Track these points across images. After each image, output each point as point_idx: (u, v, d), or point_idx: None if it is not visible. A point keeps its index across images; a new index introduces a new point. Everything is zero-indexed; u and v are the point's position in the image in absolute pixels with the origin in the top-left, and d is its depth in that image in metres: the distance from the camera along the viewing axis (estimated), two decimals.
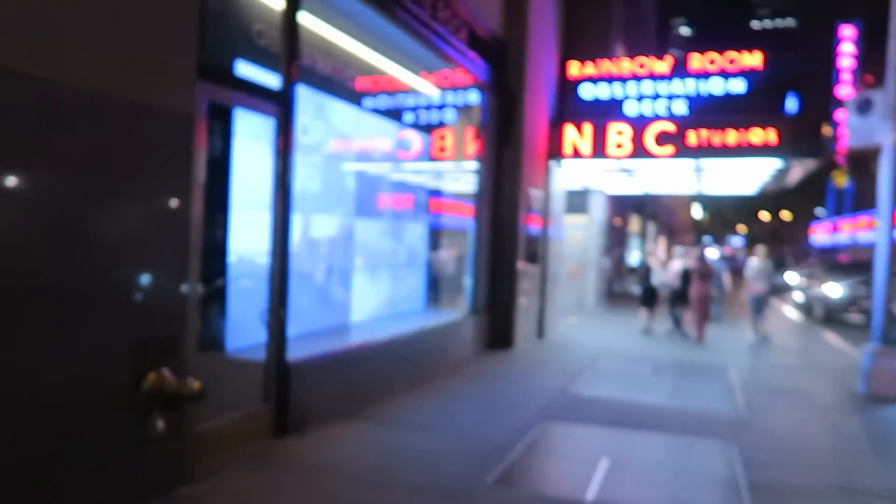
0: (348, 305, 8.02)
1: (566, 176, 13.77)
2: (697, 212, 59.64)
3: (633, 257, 28.82)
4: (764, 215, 79.01)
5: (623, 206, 24.42)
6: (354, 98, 8.63)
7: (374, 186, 9.01)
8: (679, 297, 13.82)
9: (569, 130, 11.65)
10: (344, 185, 7.99)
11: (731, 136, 10.79)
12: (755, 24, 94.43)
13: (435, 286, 10.76)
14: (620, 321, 15.59)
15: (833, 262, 25.52)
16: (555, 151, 11.83)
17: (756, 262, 13.63)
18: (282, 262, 5.20)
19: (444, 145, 10.67)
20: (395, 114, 9.84)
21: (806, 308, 20.04)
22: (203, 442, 4.52)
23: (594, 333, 13.34)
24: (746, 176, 13.32)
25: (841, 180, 56.20)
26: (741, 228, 78.80)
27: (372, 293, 8.60)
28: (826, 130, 11.89)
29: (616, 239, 23.87)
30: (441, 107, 10.36)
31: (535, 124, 11.21)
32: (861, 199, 50.57)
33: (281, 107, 5.21)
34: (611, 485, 4.73)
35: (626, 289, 23.90)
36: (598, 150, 11.45)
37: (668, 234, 41.86)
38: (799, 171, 12.87)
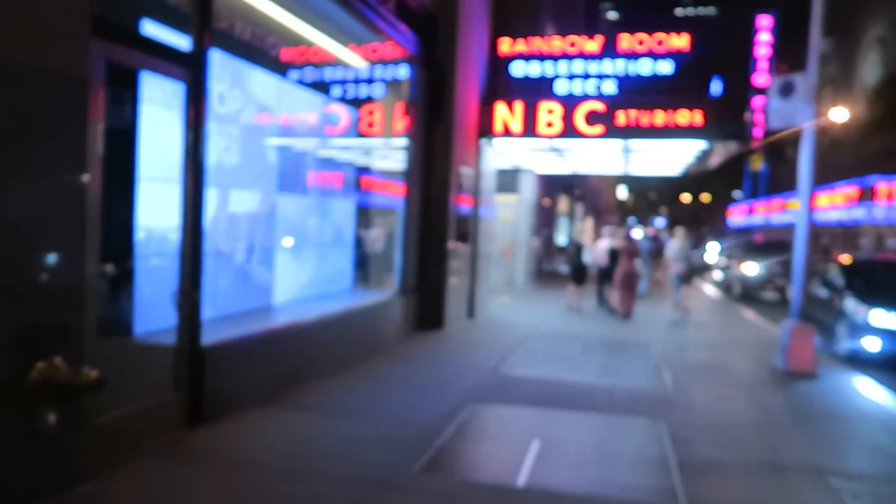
0: (271, 286, 7.64)
1: (497, 155, 13.65)
2: (623, 193, 61.14)
3: (562, 237, 29.21)
4: (685, 197, 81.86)
5: (552, 186, 24.62)
6: (278, 68, 8.18)
7: (299, 162, 8.60)
8: (606, 276, 14.09)
9: (500, 108, 11.49)
10: (265, 159, 7.56)
11: (659, 117, 10.88)
12: (679, 12, 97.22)
13: (363, 265, 10.47)
14: (550, 299, 15.70)
15: (750, 242, 26.52)
16: (486, 129, 11.66)
17: (676, 243, 14.15)
18: (194, 240, 4.81)
19: (373, 121, 10.34)
20: (321, 87, 9.43)
21: (725, 286, 20.78)
22: (106, 435, 4.14)
23: (524, 312, 13.36)
24: (672, 157, 13.55)
25: (756, 164, 58.78)
26: (663, 210, 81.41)
27: (296, 273, 8.24)
28: (748, 116, 12.21)
29: (545, 219, 24.07)
30: (370, 80, 10.00)
31: (465, 101, 11.00)
32: (775, 183, 53.02)
33: (192, 71, 4.78)
34: (542, 468, 4.63)
35: (554, 268, 24.19)
36: (529, 128, 11.36)
37: (595, 214, 42.69)
38: (721, 153, 13.19)
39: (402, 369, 7.58)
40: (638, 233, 32.94)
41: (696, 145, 11.66)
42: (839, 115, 28.14)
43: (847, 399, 7.10)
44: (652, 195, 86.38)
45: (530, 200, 18.46)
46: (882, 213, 35.77)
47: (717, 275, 22.73)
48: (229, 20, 6.62)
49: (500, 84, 12.18)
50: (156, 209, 5.46)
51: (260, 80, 7.39)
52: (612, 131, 11.02)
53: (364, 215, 10.56)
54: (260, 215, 7.36)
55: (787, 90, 8.50)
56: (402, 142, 9.89)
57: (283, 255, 7.80)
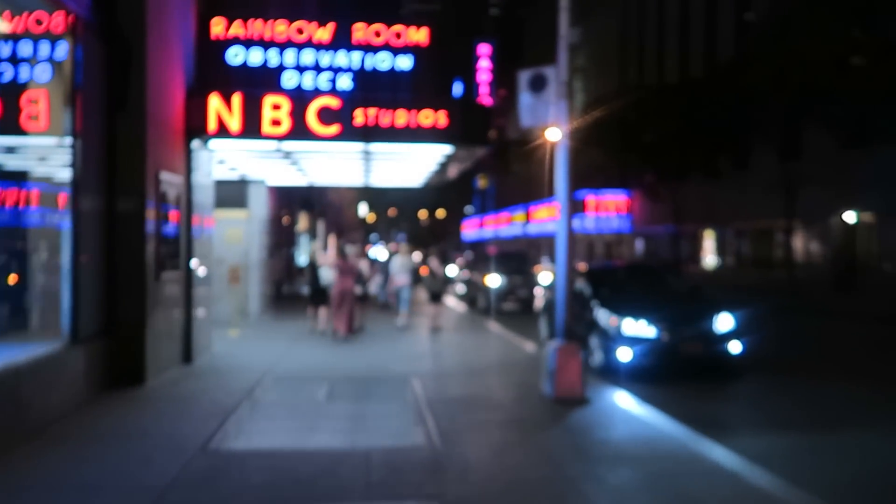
0: None
1: (218, 161, 11.38)
2: (364, 210, 60.98)
3: (303, 257, 27.29)
4: (422, 213, 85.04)
5: (289, 201, 22.64)
6: None
7: None
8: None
9: (213, 101, 9.27)
10: None
11: (402, 117, 9.58)
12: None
13: (15, 307, 7.52)
14: (290, 327, 13.80)
15: (486, 254, 27.18)
16: (198, 127, 9.35)
17: (400, 259, 14.76)
18: None
19: (36, 111, 7.53)
20: None
21: (469, 299, 20.60)
22: None
23: (259, 347, 11.27)
24: (415, 164, 12.49)
25: (483, 182, 62.90)
26: (404, 226, 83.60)
27: None
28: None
29: (284, 237, 21.99)
30: (31, 59, 7.24)
31: (166, 88, 8.64)
32: (502, 197, 56.94)
33: None
34: None
35: (297, 290, 22.21)
36: (252, 126, 9.31)
37: (337, 232, 41.41)
38: (462, 159, 12.42)
39: (59, 462, 5.11)
40: (381, 250, 32.54)
41: (441, 150, 10.64)
42: (552, 134, 30.33)
43: (628, 429, 6.26)
44: (392, 212, 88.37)
45: (263, 216, 16.26)
46: (592, 223, 39.95)
47: (460, 288, 22.63)
48: None
49: (214, 73, 9.98)
50: None
51: None
52: (350, 132, 9.48)
53: (12, 238, 7.62)
54: None
55: (538, 84, 7.71)
56: (69, 139, 7.25)
57: None
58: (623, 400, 7.34)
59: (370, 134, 9.58)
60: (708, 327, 9.20)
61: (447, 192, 63.01)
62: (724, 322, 9.27)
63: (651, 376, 8.86)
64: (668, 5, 35.83)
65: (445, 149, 10.54)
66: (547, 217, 43.25)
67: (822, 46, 18.43)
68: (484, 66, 61.44)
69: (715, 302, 10.10)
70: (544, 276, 20.02)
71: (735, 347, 9.18)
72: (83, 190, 7.18)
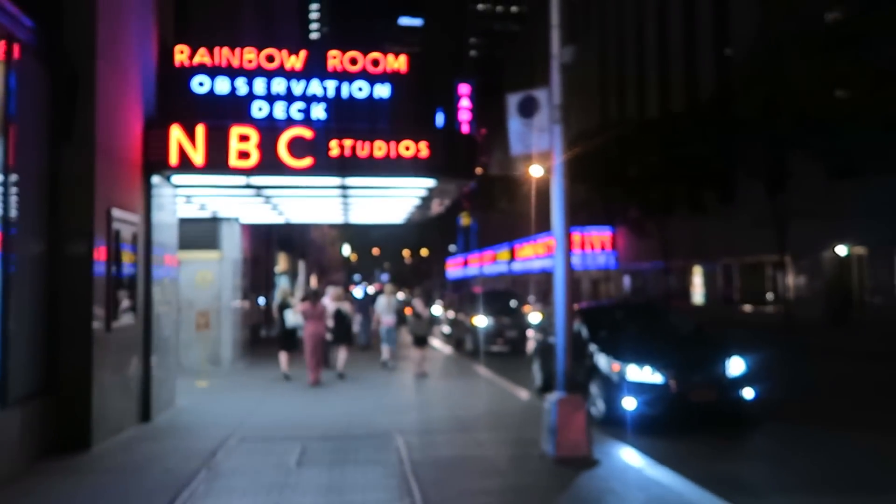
0: None
1: (184, 198, 10.59)
2: (347, 250, 60.15)
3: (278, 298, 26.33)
4: (406, 252, 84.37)
5: (267, 241, 21.78)
6: None
7: None
8: (336, 338, 12.76)
9: (175, 133, 8.51)
10: None
11: (381, 148, 8.87)
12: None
13: None
14: (265, 375, 12.83)
15: (473, 294, 26.41)
16: (157, 160, 8.57)
17: (385, 299, 14.52)
18: None
19: None
20: None
21: (455, 340, 19.69)
22: None
23: (228, 399, 10.31)
24: (396, 200, 11.76)
25: (466, 220, 62.49)
26: (387, 265, 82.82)
27: None
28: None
29: (261, 279, 21.05)
30: None
31: (119, 118, 7.86)
32: (486, 235, 56.43)
33: None
34: None
35: (273, 334, 21.21)
36: (217, 159, 8.53)
37: (319, 272, 40.48)
38: (445, 194, 11.71)
39: None
40: (359, 291, 31.75)
41: (422, 183, 9.92)
42: (536, 171, 29.72)
43: (646, 498, 5.41)
44: (375, 251, 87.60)
45: (237, 257, 15.37)
46: (577, 260, 39.40)
47: (446, 329, 21.74)
48: None
49: (177, 103, 9.25)
50: None
51: None
52: (325, 164, 8.73)
53: None
54: None
55: (527, 108, 7.03)
56: (2, 175, 6.42)
57: None
58: (634, 459, 6.51)
59: (346, 166, 8.84)
60: (720, 372, 8.42)
61: (430, 231, 62.52)
62: (735, 366, 8.50)
63: (659, 427, 8.04)
64: (648, 39, 36.01)
65: (428, 182, 9.83)
66: (532, 254, 42.73)
67: (811, 76, 18.16)
68: (464, 105, 61.71)
69: (723, 343, 9.35)
70: (534, 317, 19.19)
71: (749, 394, 8.40)
72: (19, 229, 6.32)
